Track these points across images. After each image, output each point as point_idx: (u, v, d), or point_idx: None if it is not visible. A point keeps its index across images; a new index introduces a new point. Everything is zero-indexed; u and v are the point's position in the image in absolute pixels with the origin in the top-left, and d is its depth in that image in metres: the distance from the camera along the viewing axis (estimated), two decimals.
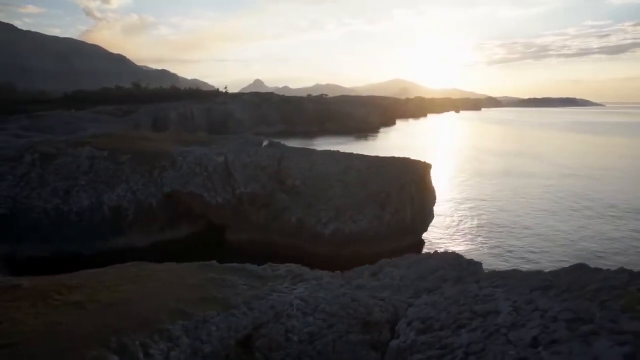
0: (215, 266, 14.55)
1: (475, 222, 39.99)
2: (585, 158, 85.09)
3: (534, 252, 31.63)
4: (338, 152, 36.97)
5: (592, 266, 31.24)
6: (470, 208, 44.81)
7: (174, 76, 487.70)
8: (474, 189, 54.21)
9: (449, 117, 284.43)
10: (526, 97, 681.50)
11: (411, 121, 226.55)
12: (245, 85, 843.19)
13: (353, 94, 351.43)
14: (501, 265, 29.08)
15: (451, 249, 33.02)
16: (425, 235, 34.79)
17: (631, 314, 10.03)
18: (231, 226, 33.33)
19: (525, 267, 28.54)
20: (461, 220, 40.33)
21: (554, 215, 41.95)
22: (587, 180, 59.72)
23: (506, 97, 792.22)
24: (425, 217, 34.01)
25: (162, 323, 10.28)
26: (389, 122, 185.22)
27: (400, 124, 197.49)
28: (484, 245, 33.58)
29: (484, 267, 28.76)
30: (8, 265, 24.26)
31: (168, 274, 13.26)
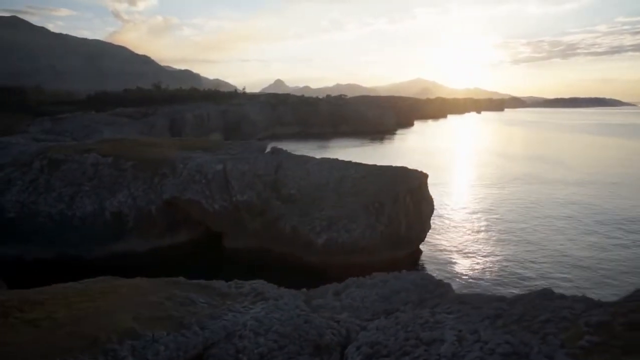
0: (182, 282, 15.00)
1: (479, 233, 39.19)
2: (604, 164, 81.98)
3: (530, 268, 30.66)
4: (336, 160, 37.03)
5: (598, 284, 30.16)
6: (477, 217, 43.96)
7: (196, 76, 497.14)
8: (482, 197, 53.18)
9: (469, 118, 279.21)
10: (552, 96, 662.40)
11: (430, 122, 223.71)
12: (265, 85, 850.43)
13: (373, 94, 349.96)
14: (492, 281, 28.53)
15: (447, 259, 32.64)
16: (422, 246, 34.48)
17: (569, 349, 9.86)
18: (228, 233, 33.96)
19: (518, 284, 27.95)
20: (464, 231, 39.60)
21: (563, 228, 40.53)
22: (603, 190, 57.55)
23: (531, 96, 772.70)
24: (421, 227, 33.71)
25: (110, 342, 10.75)
26: (406, 123, 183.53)
27: (418, 125, 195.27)
28: (481, 258, 32.94)
29: (475, 281, 28.58)
30: (10, 268, 25.54)
31: (132, 290, 13.79)
